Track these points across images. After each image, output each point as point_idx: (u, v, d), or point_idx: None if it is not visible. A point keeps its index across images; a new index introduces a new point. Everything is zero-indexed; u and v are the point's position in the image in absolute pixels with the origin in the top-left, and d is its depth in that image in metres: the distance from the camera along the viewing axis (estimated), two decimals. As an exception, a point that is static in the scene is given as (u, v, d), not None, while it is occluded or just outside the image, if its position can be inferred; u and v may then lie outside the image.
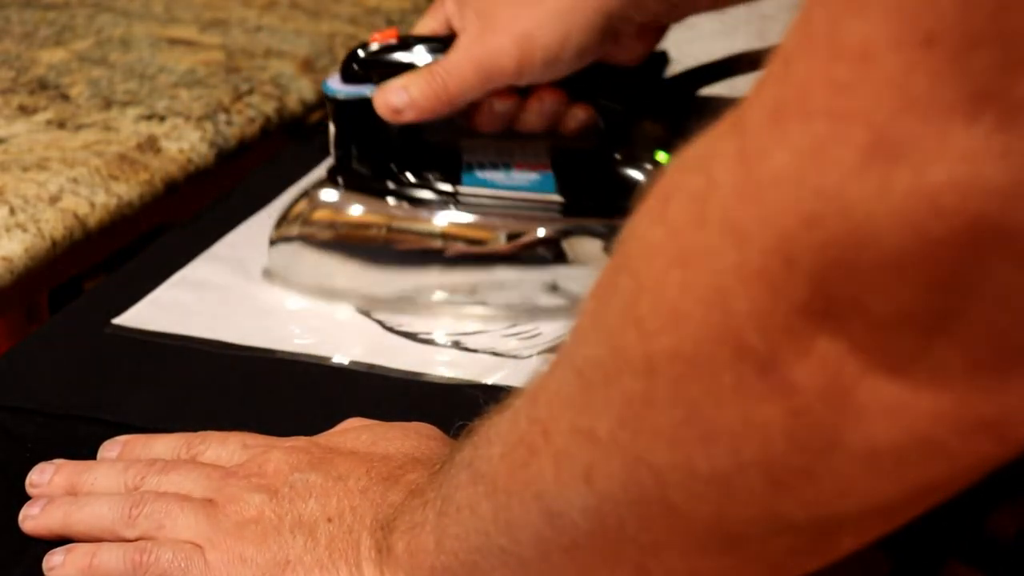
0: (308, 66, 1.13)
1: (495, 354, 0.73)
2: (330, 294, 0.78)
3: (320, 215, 0.77)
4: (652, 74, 0.78)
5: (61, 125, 0.99)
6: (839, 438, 0.36)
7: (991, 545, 0.57)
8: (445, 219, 0.76)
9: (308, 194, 0.78)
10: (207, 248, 0.85)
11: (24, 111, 1.02)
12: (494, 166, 0.77)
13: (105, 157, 0.95)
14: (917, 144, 0.32)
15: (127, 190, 0.93)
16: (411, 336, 0.75)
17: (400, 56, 0.75)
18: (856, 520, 0.39)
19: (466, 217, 0.76)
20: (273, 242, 0.79)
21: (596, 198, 0.76)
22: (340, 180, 0.77)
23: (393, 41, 0.75)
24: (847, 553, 0.41)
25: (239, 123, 1.03)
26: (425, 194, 0.76)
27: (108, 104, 1.03)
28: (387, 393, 0.70)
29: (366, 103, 0.74)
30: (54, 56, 1.13)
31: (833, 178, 0.33)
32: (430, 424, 0.62)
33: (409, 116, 0.73)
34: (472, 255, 0.76)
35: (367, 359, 0.73)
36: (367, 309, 0.77)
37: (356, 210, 0.77)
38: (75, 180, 0.92)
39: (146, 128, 0.99)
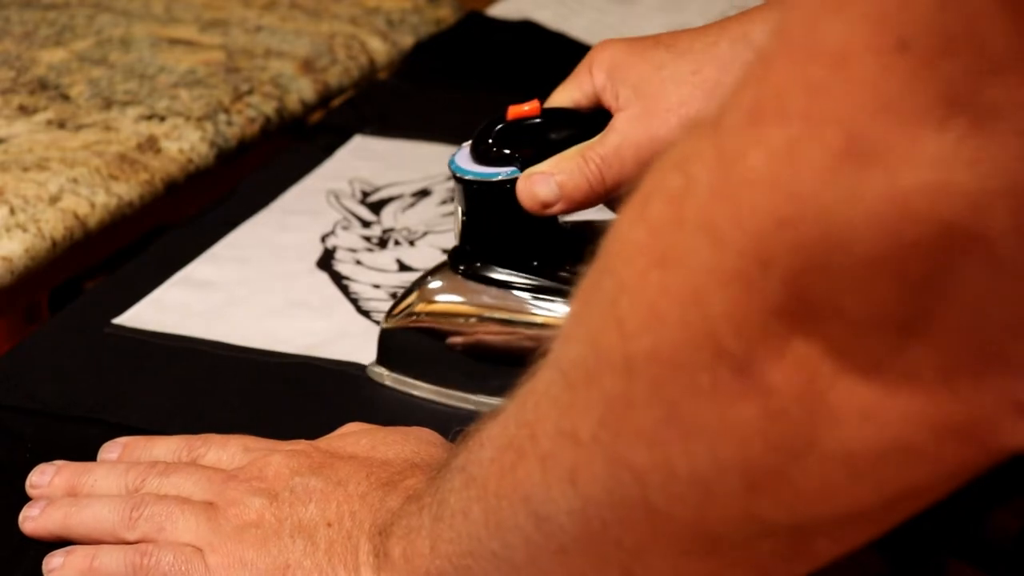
0: (308, 66, 1.13)
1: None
2: (443, 393, 0.69)
3: (440, 307, 0.69)
4: None
5: (61, 125, 0.99)
6: (814, 440, 0.36)
7: (991, 545, 0.57)
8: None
9: (425, 281, 0.70)
10: (207, 248, 0.85)
11: (24, 111, 1.02)
12: None
13: (105, 157, 0.95)
14: (889, 148, 0.32)
15: (127, 190, 0.93)
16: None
17: (544, 135, 0.66)
18: (837, 524, 0.39)
19: None
20: (386, 332, 0.71)
21: None
22: (464, 268, 0.68)
23: (535, 116, 0.66)
24: (831, 558, 0.41)
25: (239, 123, 1.03)
26: (563, 286, 0.66)
27: (108, 104, 1.03)
28: (385, 396, 0.70)
29: (501, 187, 0.66)
30: (54, 56, 1.13)
31: (807, 181, 0.34)
32: (429, 429, 0.62)
33: (558, 209, 0.64)
34: None
35: (368, 362, 0.73)
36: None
37: (484, 300, 0.68)
38: (75, 180, 0.92)
39: (146, 128, 0.99)
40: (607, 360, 0.40)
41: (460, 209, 0.67)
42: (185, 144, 0.99)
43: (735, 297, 0.36)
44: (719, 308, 0.36)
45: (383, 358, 0.71)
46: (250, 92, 1.07)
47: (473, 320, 0.69)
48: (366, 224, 0.88)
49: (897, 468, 0.36)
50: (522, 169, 0.65)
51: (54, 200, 0.90)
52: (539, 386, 0.44)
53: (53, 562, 0.57)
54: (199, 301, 0.79)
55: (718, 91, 0.63)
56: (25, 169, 0.93)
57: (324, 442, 0.61)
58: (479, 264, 0.68)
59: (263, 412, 0.69)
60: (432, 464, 0.56)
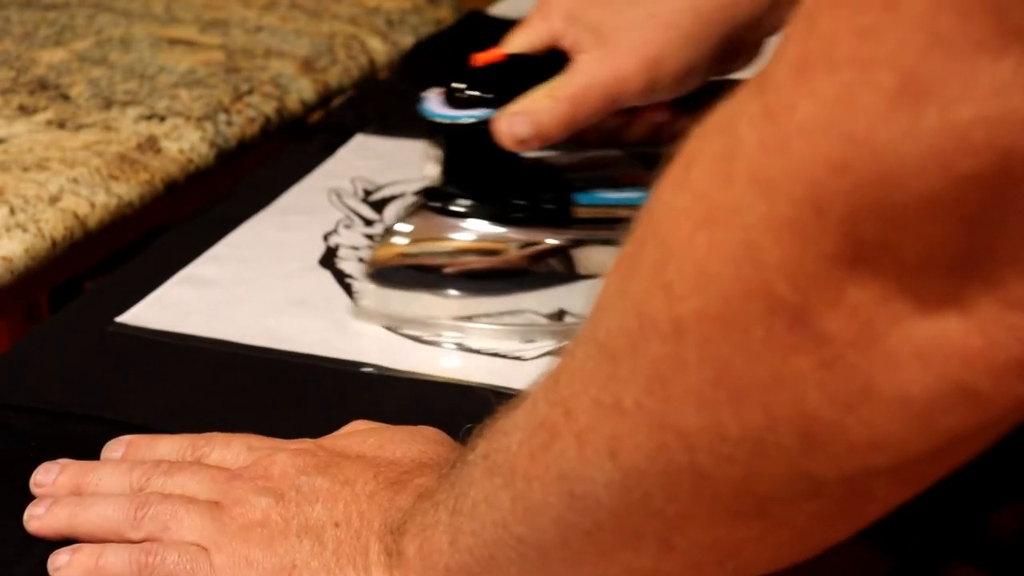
0: (308, 66, 1.13)
1: (498, 355, 0.74)
2: (428, 324, 0.74)
3: (426, 243, 0.74)
4: None
5: (61, 125, 0.99)
6: (871, 387, 0.36)
7: (992, 545, 0.57)
8: (564, 238, 0.73)
9: (407, 221, 0.75)
10: (207, 248, 0.85)
11: (24, 111, 1.02)
12: (602, 182, 0.74)
13: (105, 157, 0.95)
14: (945, 82, 0.33)
15: (127, 190, 0.93)
16: (416, 338, 0.75)
17: (512, 78, 0.70)
18: (885, 476, 0.39)
19: (585, 234, 0.73)
20: (371, 273, 0.75)
21: None
22: (441, 206, 0.73)
23: (501, 60, 0.71)
24: (873, 518, 0.41)
25: (239, 123, 1.03)
26: (537, 215, 0.73)
27: (108, 104, 1.03)
28: (392, 394, 0.70)
29: (475, 128, 0.70)
30: (54, 56, 1.12)
31: (862, 123, 0.34)
32: (435, 426, 0.62)
33: (533, 144, 0.69)
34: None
35: (372, 360, 0.73)
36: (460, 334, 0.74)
37: (467, 235, 0.73)
38: (75, 180, 0.92)
39: (146, 128, 0.99)
40: (653, 325, 0.39)
41: (433, 150, 0.72)
42: (185, 144, 0.99)
43: (790, 247, 0.36)
44: (773, 259, 0.36)
45: (372, 298, 0.75)
46: (250, 92, 1.06)
47: (459, 252, 0.73)
48: (369, 223, 0.88)
49: (953, 411, 0.36)
50: (496, 110, 0.70)
51: (54, 200, 0.90)
52: (572, 363, 0.44)
53: (59, 560, 0.57)
54: (201, 299, 0.79)
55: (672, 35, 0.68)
56: (25, 169, 0.92)
57: (330, 441, 0.61)
58: (456, 200, 0.73)
59: (266, 411, 0.69)
60: (440, 463, 0.55)
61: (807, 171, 0.35)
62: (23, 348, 0.76)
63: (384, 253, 0.75)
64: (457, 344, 0.75)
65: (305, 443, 0.60)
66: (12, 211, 0.88)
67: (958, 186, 0.33)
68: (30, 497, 0.61)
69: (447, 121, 0.71)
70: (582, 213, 0.73)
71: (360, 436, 0.60)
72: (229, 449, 0.61)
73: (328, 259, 0.83)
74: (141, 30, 1.18)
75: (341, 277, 0.81)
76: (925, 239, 0.34)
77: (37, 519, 0.59)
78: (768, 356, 0.37)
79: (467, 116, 0.71)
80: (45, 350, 0.75)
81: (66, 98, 1.04)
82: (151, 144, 0.98)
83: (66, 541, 0.59)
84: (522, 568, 0.48)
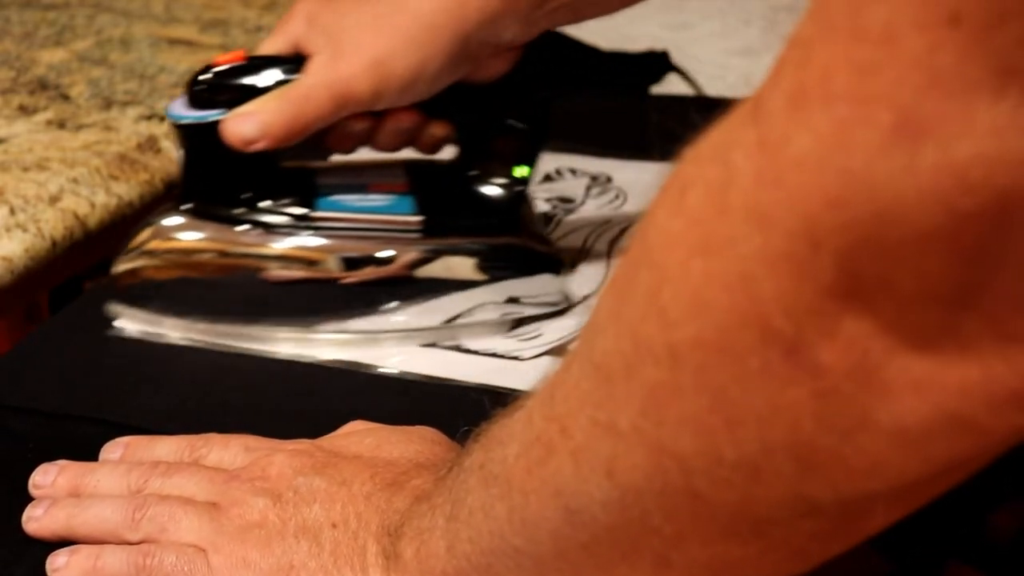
0: (308, 66, 1.13)
1: (495, 355, 0.74)
2: (173, 327, 0.75)
3: (165, 244, 0.74)
4: (509, 88, 0.75)
5: (61, 125, 0.99)
6: (867, 417, 0.36)
7: (991, 545, 0.57)
8: (294, 244, 0.74)
9: (152, 222, 0.75)
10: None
11: (24, 111, 1.02)
12: (349, 189, 0.75)
13: (105, 157, 0.95)
14: (943, 121, 0.33)
15: (127, 190, 0.93)
16: (413, 339, 0.75)
17: (248, 79, 0.71)
18: (883, 499, 0.39)
19: (317, 241, 0.74)
20: (117, 275, 0.75)
21: (455, 215, 0.76)
22: (187, 207, 0.74)
23: (241, 62, 0.72)
24: (869, 535, 0.41)
25: (239, 123, 1.03)
26: (277, 220, 0.73)
27: (108, 104, 1.03)
28: (389, 395, 0.70)
29: (214, 128, 0.71)
30: (54, 56, 1.13)
31: (858, 159, 0.34)
32: (432, 426, 0.62)
33: (261, 145, 0.70)
34: (324, 281, 0.74)
35: (368, 361, 0.73)
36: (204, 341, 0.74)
37: (201, 238, 0.74)
38: (75, 180, 0.92)
39: (146, 128, 0.99)
40: (648, 350, 0.40)
41: (178, 153, 0.73)
42: (185, 144, 0.99)
43: (785, 280, 0.36)
44: (768, 291, 0.36)
45: (124, 300, 0.75)
46: (250, 92, 1.07)
47: (206, 254, 0.74)
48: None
49: (949, 440, 0.37)
50: (229, 110, 0.71)
51: (54, 200, 0.90)
52: (568, 381, 0.44)
53: (57, 561, 0.57)
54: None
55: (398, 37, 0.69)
56: (25, 169, 0.93)
57: (327, 441, 0.61)
58: (204, 203, 0.74)
59: (264, 412, 0.69)
60: (437, 464, 0.56)
61: (803, 205, 0.35)
62: (22, 350, 0.76)
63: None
64: (453, 345, 0.75)
65: (303, 444, 0.60)
66: (12, 211, 0.88)
67: (955, 223, 0.33)
68: (29, 498, 0.61)
69: (184, 122, 0.72)
70: (321, 218, 0.74)
71: (357, 437, 0.60)
72: (227, 450, 0.61)
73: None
74: (141, 30, 1.18)
75: (339, 278, 0.81)
76: (921, 274, 0.34)
77: (35, 520, 0.60)
78: (764, 386, 0.37)
79: (202, 116, 0.71)
80: (44, 351, 0.75)
81: (66, 98, 1.04)
82: (151, 144, 0.98)
83: (65, 542, 0.59)
84: None
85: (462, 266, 0.75)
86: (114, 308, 0.76)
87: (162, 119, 1.00)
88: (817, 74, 0.35)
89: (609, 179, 0.94)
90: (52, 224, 0.88)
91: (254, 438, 0.62)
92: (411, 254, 0.74)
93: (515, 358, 0.73)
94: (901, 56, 0.33)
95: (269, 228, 0.73)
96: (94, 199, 0.91)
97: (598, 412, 0.42)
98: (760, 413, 0.38)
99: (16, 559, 0.59)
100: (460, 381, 0.71)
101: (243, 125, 0.70)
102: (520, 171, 0.77)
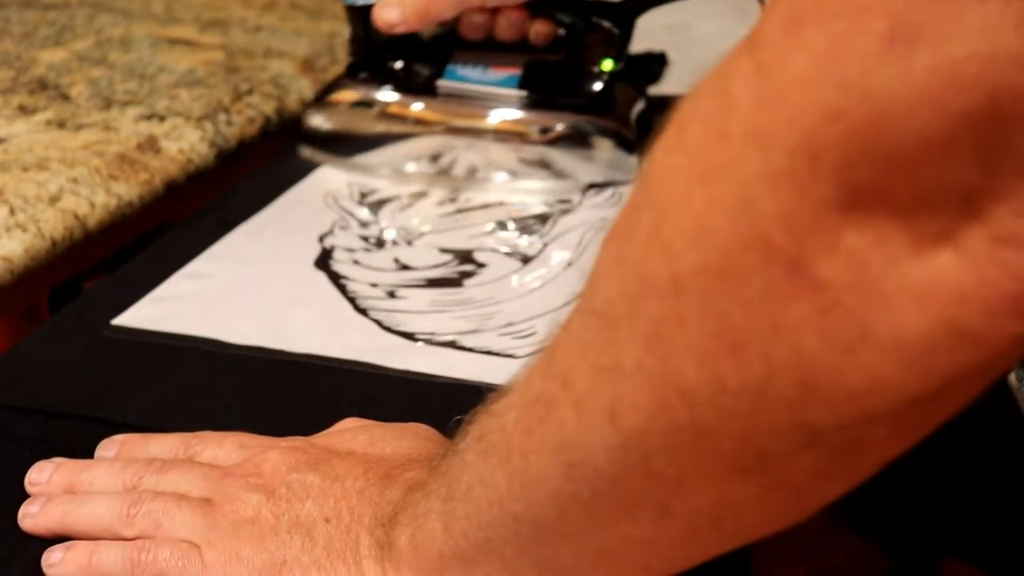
0: (308, 66, 1.13)
1: (491, 353, 0.74)
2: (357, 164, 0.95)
3: (336, 97, 0.96)
4: None
5: (61, 125, 1.00)
6: (868, 330, 0.37)
7: (991, 543, 0.57)
8: (421, 105, 0.93)
9: (339, 83, 0.96)
10: (206, 248, 0.85)
11: (24, 111, 1.02)
12: (474, 66, 0.94)
13: (105, 157, 0.95)
14: (934, 24, 0.33)
15: (127, 190, 0.94)
16: (408, 336, 0.76)
17: None
18: (883, 422, 0.39)
19: (438, 102, 0.93)
20: (308, 113, 0.97)
21: (552, 95, 0.92)
22: (363, 76, 0.95)
23: None
24: (870, 471, 0.42)
25: (239, 123, 1.03)
26: (411, 84, 0.93)
27: (108, 104, 1.03)
28: (383, 393, 0.70)
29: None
30: (54, 56, 1.13)
31: (855, 69, 0.35)
32: (426, 424, 0.62)
33: (401, 29, 0.89)
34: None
35: (364, 359, 0.73)
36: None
37: (355, 96, 0.95)
38: (75, 180, 0.92)
39: (146, 128, 1.00)
40: (652, 285, 0.40)
41: (349, 29, 0.94)
42: (185, 144, 0.99)
43: (786, 197, 0.37)
44: (769, 211, 0.37)
45: (313, 139, 0.97)
46: (250, 92, 1.07)
47: (377, 107, 0.94)
48: (364, 224, 0.88)
49: (949, 351, 0.37)
50: None
51: (54, 200, 0.90)
52: (567, 336, 0.45)
53: (53, 557, 0.58)
54: (198, 300, 0.79)
55: None
56: (25, 169, 0.93)
57: (321, 438, 0.61)
58: (372, 71, 0.95)
59: (261, 410, 0.69)
60: (430, 458, 0.56)
61: (801, 121, 0.36)
62: (21, 349, 0.76)
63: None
64: (448, 342, 0.75)
65: (296, 441, 0.60)
66: (12, 211, 0.88)
67: (950, 125, 0.34)
68: (25, 496, 0.61)
69: (355, 3, 0.92)
70: (443, 88, 0.93)
71: (351, 433, 0.61)
72: (221, 447, 0.61)
73: (323, 261, 0.84)
74: (141, 30, 1.18)
75: (336, 279, 0.82)
76: (918, 180, 0.35)
77: (31, 517, 0.60)
78: (766, 305, 0.38)
79: (368, 2, 0.91)
80: (42, 352, 0.75)
81: (66, 98, 1.05)
82: (151, 144, 0.98)
83: (61, 539, 0.59)
84: (518, 548, 0.48)
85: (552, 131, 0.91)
86: (303, 151, 0.97)
87: (162, 119, 1.01)
88: None
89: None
90: (52, 224, 0.88)
91: (248, 436, 0.62)
92: (512, 120, 0.92)
93: (511, 356, 0.74)
94: None
95: (408, 91, 0.93)
96: (94, 199, 0.91)
97: (601, 357, 0.42)
98: (763, 334, 0.38)
99: (13, 555, 0.59)
100: (455, 379, 0.71)
101: (388, 12, 0.89)
102: (607, 64, 0.92)
